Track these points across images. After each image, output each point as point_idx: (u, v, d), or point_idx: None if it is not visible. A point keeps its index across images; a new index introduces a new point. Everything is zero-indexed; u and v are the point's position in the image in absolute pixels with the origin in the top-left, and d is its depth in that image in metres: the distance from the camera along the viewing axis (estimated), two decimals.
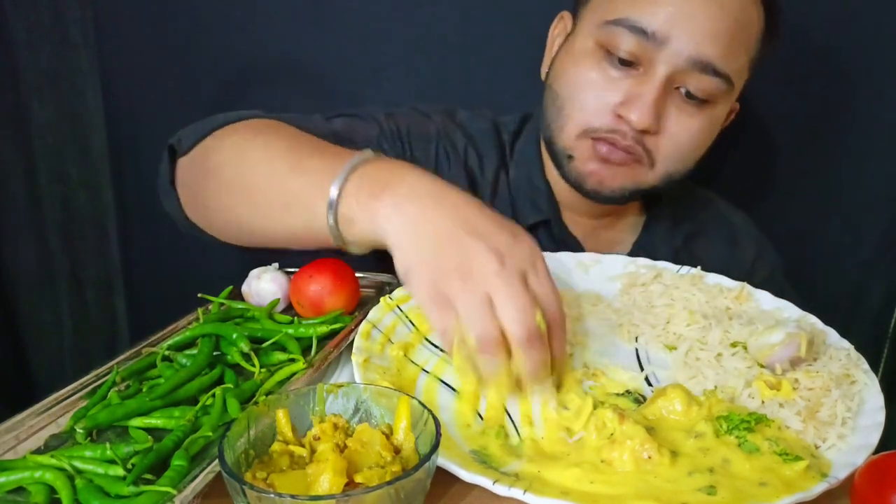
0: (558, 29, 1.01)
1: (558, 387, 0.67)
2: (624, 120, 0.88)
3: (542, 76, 1.00)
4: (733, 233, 1.12)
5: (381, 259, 1.01)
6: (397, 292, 0.80)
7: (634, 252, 1.03)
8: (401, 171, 0.69)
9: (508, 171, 1.03)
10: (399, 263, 0.64)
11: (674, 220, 1.08)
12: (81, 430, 0.57)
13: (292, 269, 0.84)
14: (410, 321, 0.77)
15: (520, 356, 0.61)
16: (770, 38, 0.92)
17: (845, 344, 0.75)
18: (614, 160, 0.90)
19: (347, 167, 0.69)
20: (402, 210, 0.65)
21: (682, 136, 0.90)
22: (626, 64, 0.87)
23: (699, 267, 0.89)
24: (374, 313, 0.75)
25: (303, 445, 0.53)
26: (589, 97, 0.90)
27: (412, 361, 0.72)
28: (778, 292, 0.85)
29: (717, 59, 0.86)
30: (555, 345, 0.64)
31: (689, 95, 0.88)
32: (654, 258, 0.92)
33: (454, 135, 1.01)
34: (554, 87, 0.95)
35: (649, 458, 0.57)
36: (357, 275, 0.82)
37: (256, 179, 0.78)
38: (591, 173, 0.92)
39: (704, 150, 0.95)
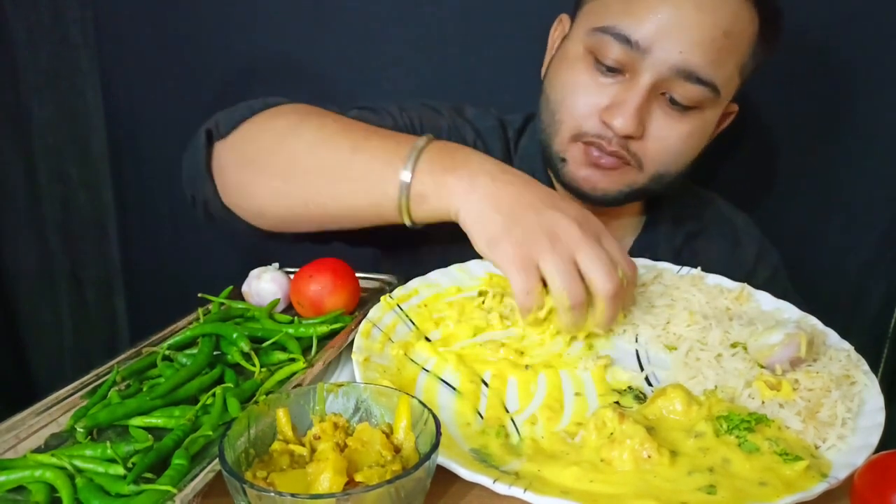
0: (557, 32, 1.01)
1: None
2: (608, 125, 0.88)
3: (542, 78, 1.01)
4: (735, 233, 1.12)
5: (381, 258, 1.01)
6: (397, 291, 0.81)
7: (635, 251, 1.03)
8: (465, 152, 0.77)
9: (513, 165, 1.04)
10: (480, 234, 0.71)
11: (675, 220, 1.08)
12: (82, 430, 0.57)
13: (292, 269, 0.84)
14: (410, 320, 0.77)
15: (603, 309, 0.70)
16: (766, 42, 0.91)
17: (845, 345, 0.75)
18: (604, 165, 0.91)
19: (417, 146, 0.76)
20: (477, 185, 0.72)
21: (669, 140, 0.90)
22: (613, 70, 0.87)
23: (699, 267, 0.89)
24: (374, 312, 0.76)
25: (303, 445, 0.53)
26: (578, 102, 0.90)
27: (412, 360, 0.72)
28: (780, 294, 0.85)
29: (702, 68, 0.85)
30: (630, 292, 0.76)
31: (673, 102, 0.88)
32: (656, 258, 0.92)
33: (464, 129, 1.03)
34: (547, 91, 0.95)
35: (649, 457, 0.57)
36: (357, 275, 0.82)
37: (316, 160, 0.80)
38: (584, 178, 0.93)
39: (696, 153, 0.95)
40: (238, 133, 0.86)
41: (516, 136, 1.06)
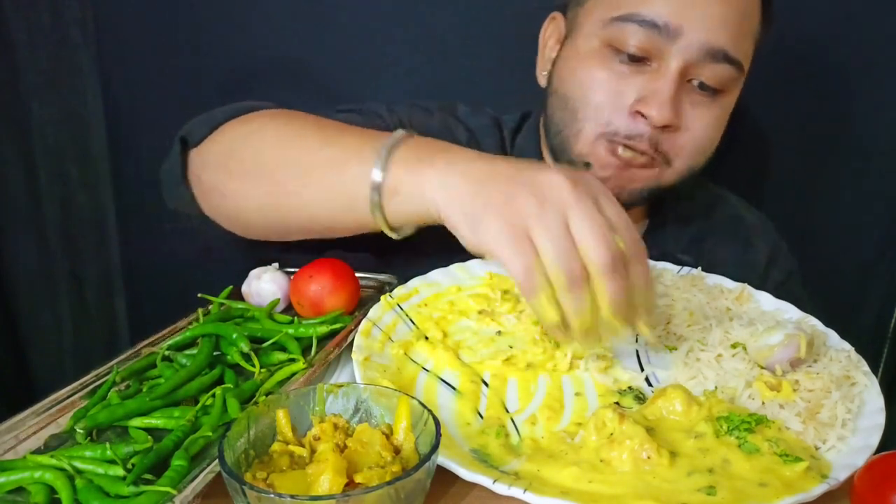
0: (550, 30, 0.98)
1: (646, 324, 0.65)
2: (642, 117, 0.85)
3: (540, 80, 0.98)
4: (746, 234, 1.08)
5: (380, 259, 1.01)
6: (397, 291, 0.81)
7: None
8: (441, 143, 0.70)
9: None
10: (460, 217, 0.62)
11: (681, 220, 1.05)
12: (81, 430, 0.57)
13: (292, 269, 0.84)
14: (411, 320, 0.78)
15: (602, 285, 0.58)
16: (767, 18, 0.90)
17: (846, 346, 0.75)
18: (636, 164, 0.88)
19: (388, 142, 0.69)
20: (454, 169, 0.64)
21: (700, 131, 0.88)
22: (636, 60, 0.85)
23: (700, 268, 0.89)
24: (374, 311, 0.76)
25: (303, 445, 0.53)
26: (603, 98, 0.86)
27: (412, 360, 0.72)
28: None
29: (729, 45, 0.84)
30: (637, 270, 0.61)
31: (702, 87, 0.86)
32: (663, 258, 0.91)
33: (456, 130, 1.00)
34: (561, 92, 0.91)
35: (648, 458, 0.57)
36: (357, 275, 0.82)
37: (284, 159, 0.77)
38: (608, 179, 0.88)
39: (719, 141, 0.92)
40: (211, 139, 0.84)
41: (512, 135, 1.04)
